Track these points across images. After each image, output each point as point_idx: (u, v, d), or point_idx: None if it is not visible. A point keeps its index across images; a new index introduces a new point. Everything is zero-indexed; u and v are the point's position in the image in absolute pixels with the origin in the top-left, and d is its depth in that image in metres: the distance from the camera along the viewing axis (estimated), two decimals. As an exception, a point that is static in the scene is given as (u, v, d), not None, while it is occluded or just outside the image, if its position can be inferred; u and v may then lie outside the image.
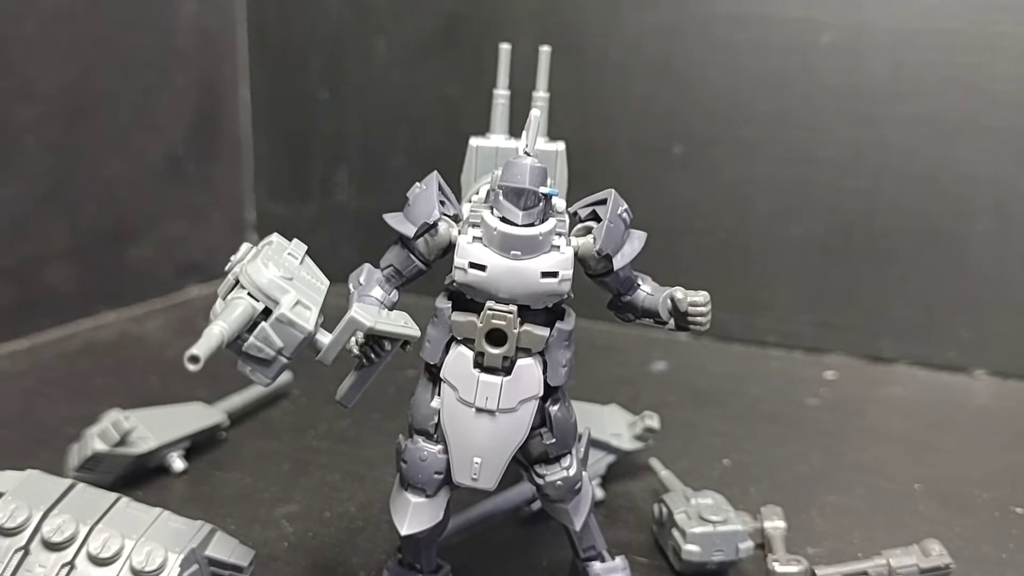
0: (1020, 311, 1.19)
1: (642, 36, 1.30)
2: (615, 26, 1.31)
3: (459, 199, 0.69)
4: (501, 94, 0.75)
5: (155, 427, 0.90)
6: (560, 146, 0.72)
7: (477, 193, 0.67)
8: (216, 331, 0.50)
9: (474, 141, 0.73)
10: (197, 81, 1.49)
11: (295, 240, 0.60)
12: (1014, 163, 1.17)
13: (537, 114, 0.62)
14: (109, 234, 1.37)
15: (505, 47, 0.74)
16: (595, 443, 0.87)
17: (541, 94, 0.75)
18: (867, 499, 0.89)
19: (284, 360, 0.53)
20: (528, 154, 0.61)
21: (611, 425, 0.90)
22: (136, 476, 0.88)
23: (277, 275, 0.53)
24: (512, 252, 0.59)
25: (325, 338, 0.55)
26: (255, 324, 0.53)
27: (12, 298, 1.24)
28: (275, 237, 0.58)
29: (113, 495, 0.65)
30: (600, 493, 0.86)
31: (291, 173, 1.58)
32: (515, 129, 0.72)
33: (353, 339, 0.57)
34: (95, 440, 0.85)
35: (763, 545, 0.77)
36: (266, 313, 0.53)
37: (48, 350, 1.24)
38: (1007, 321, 1.20)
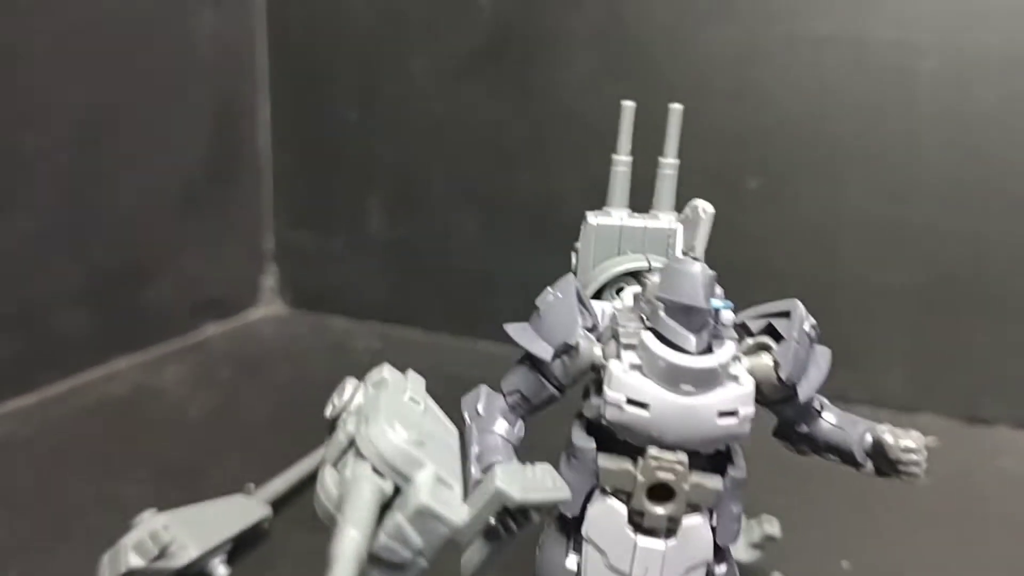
0: None
1: (716, 56, 1.18)
2: (686, 44, 1.19)
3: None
4: (622, 160, 0.62)
5: (195, 532, 0.78)
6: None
7: (616, 296, 0.55)
8: (351, 551, 0.37)
9: (592, 218, 0.60)
10: (214, 99, 1.36)
11: (411, 373, 0.47)
12: None
13: (711, 211, 0.50)
14: (122, 272, 1.24)
15: (629, 105, 0.61)
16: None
17: (670, 160, 0.62)
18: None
19: (423, 563, 0.40)
20: (695, 258, 0.48)
21: (724, 530, 0.78)
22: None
23: (407, 440, 0.41)
24: (683, 387, 0.47)
25: (463, 511, 0.43)
26: (383, 507, 0.40)
27: (18, 347, 1.11)
28: (387, 371, 0.46)
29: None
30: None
31: (315, 199, 1.45)
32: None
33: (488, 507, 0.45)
34: (131, 554, 0.73)
35: None
36: (396, 490, 0.40)
37: (58, 408, 1.11)
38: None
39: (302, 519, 0.89)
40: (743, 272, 1.18)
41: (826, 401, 0.55)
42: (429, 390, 0.47)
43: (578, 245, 0.60)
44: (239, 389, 1.20)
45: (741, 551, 0.77)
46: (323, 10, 1.39)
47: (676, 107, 0.62)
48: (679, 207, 0.62)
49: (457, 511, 0.40)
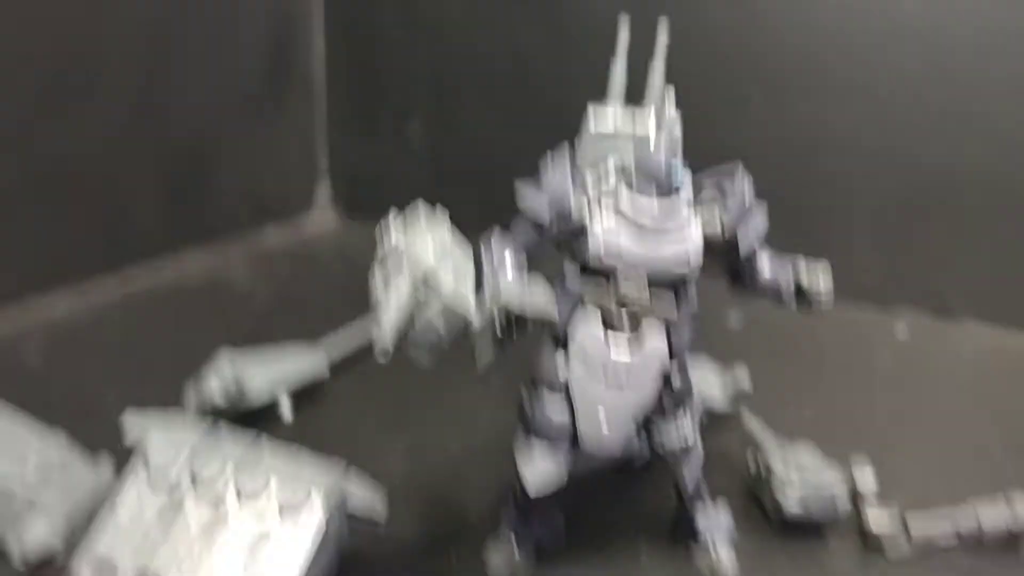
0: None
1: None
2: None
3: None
4: (620, 62, 0.74)
5: (266, 375, 0.93)
6: (672, 110, 0.73)
7: (603, 166, 0.69)
8: (389, 324, 0.53)
9: (592, 121, 0.71)
10: (272, 15, 1.50)
11: (439, 208, 0.63)
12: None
13: (658, 82, 0.64)
14: (192, 175, 1.40)
15: (624, 17, 0.74)
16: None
17: (658, 64, 0.75)
18: (948, 451, 0.92)
19: (445, 345, 0.57)
20: (659, 128, 0.63)
21: (703, 382, 0.93)
22: (245, 420, 0.92)
23: (434, 254, 0.57)
24: (645, 231, 0.62)
25: (476, 315, 0.59)
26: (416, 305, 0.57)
27: (102, 231, 1.27)
28: (421, 205, 0.62)
29: (250, 435, 0.69)
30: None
31: (363, 115, 1.59)
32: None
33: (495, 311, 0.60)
34: (215, 395, 0.89)
35: (854, 494, 0.80)
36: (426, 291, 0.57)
37: (136, 285, 1.28)
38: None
39: (356, 376, 1.05)
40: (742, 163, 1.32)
41: (765, 251, 0.69)
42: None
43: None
44: (297, 282, 1.37)
45: (718, 402, 0.92)
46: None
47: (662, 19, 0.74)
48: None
49: (470, 308, 0.57)
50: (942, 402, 1.03)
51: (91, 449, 0.74)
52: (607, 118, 0.73)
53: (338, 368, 1.05)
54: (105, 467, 0.73)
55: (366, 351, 1.10)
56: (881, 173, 1.28)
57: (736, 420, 0.92)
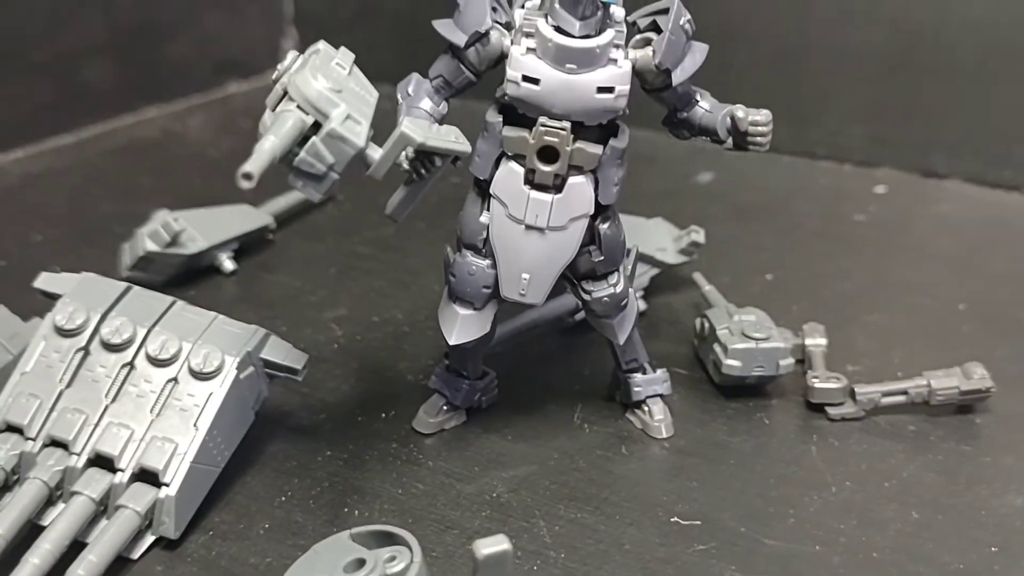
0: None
1: None
2: None
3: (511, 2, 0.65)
4: None
5: (204, 228, 0.91)
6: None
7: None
8: (267, 147, 0.49)
9: None
10: None
11: (342, 48, 0.58)
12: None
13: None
14: (146, 29, 1.33)
15: None
16: (640, 257, 0.86)
17: None
18: (910, 319, 0.89)
19: (335, 175, 0.53)
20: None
21: (656, 239, 0.89)
22: (187, 276, 0.90)
23: (326, 87, 0.52)
24: (567, 65, 0.57)
25: (376, 152, 0.54)
26: (305, 138, 0.52)
27: (54, 94, 1.23)
28: (322, 45, 0.56)
29: (168, 298, 0.67)
30: (642, 305, 0.87)
31: (329, -36, 1.51)
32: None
33: (403, 154, 0.56)
34: (147, 240, 0.86)
35: (803, 361, 0.78)
36: (316, 127, 0.52)
37: (92, 146, 1.24)
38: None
39: (302, 233, 1.02)
40: (719, 29, 1.25)
41: (705, 92, 0.64)
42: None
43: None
44: (256, 137, 1.32)
45: (670, 255, 0.89)
46: None
47: None
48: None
49: (360, 137, 0.52)
50: (914, 268, 0.99)
51: (24, 317, 0.71)
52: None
53: (286, 222, 1.02)
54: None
55: (315, 208, 1.06)
56: (865, 28, 1.20)
57: (692, 283, 0.88)
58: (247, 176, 0.47)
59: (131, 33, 1.31)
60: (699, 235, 0.88)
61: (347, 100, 0.53)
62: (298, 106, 0.51)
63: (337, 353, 0.81)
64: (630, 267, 0.67)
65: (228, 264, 0.92)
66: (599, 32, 0.58)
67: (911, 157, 1.22)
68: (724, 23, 1.25)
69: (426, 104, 0.61)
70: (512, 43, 0.59)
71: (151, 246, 0.86)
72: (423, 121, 0.57)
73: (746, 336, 0.74)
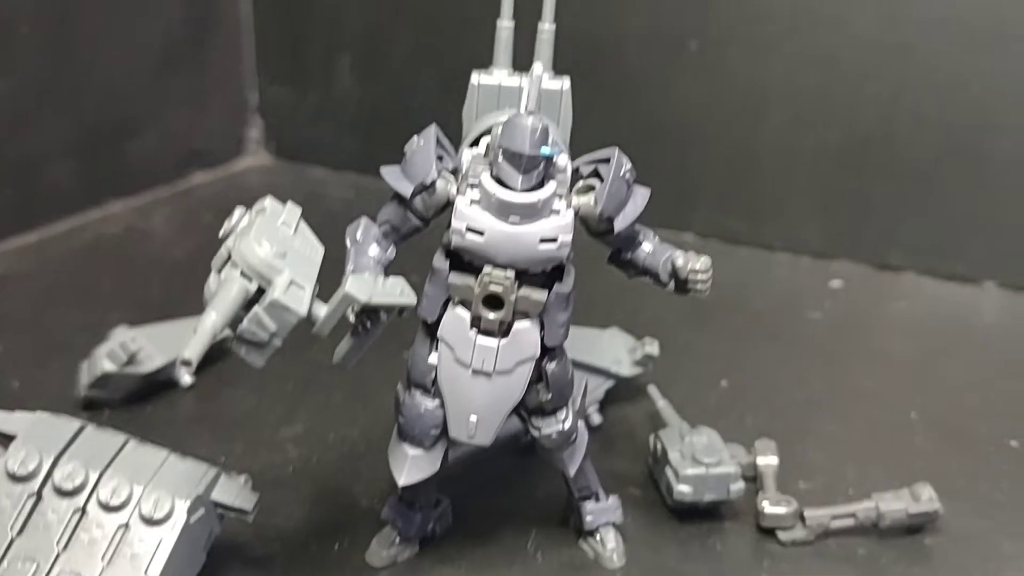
0: (1036, 225, 1.17)
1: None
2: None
3: (460, 140, 0.67)
4: (505, 25, 0.70)
5: (162, 344, 0.91)
6: (565, 84, 0.69)
7: (476, 145, 0.65)
8: (208, 325, 0.50)
9: (475, 78, 0.69)
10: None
11: (289, 204, 0.59)
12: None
13: (539, 70, 0.60)
14: (111, 126, 1.35)
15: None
16: (594, 369, 0.88)
17: (547, 26, 0.70)
18: (863, 429, 0.90)
19: (278, 342, 0.53)
20: (530, 113, 0.59)
21: (611, 351, 0.90)
22: (145, 392, 0.90)
23: (270, 252, 0.53)
24: (511, 218, 0.58)
25: (321, 310, 0.55)
26: (250, 303, 0.52)
27: (16, 193, 1.23)
28: (268, 202, 0.57)
29: (121, 438, 0.66)
30: (597, 419, 0.88)
31: (293, 57, 1.53)
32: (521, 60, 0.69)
33: (349, 309, 0.57)
34: (104, 361, 0.86)
35: (755, 478, 0.79)
36: (260, 291, 0.53)
37: (56, 246, 1.24)
38: (1022, 235, 1.18)
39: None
40: (679, 129, 1.28)
41: (649, 232, 0.66)
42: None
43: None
44: (216, 243, 1.33)
45: (625, 367, 0.90)
46: None
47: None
48: (556, 68, 0.71)
49: (303, 305, 0.53)
50: (869, 373, 1.00)
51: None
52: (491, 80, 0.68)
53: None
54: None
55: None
56: (819, 123, 1.23)
57: (647, 395, 0.89)
58: (186, 363, 0.48)
59: (95, 130, 1.32)
60: (653, 347, 0.89)
61: (291, 264, 0.54)
62: (242, 272, 0.52)
63: (293, 476, 0.81)
64: (579, 401, 0.68)
65: (186, 378, 0.92)
66: (542, 183, 0.59)
67: (866, 250, 1.25)
68: (682, 123, 1.29)
69: (374, 251, 0.62)
70: (458, 192, 0.60)
71: (108, 366, 0.86)
72: (368, 278, 0.58)
73: (697, 461, 0.74)
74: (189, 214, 1.38)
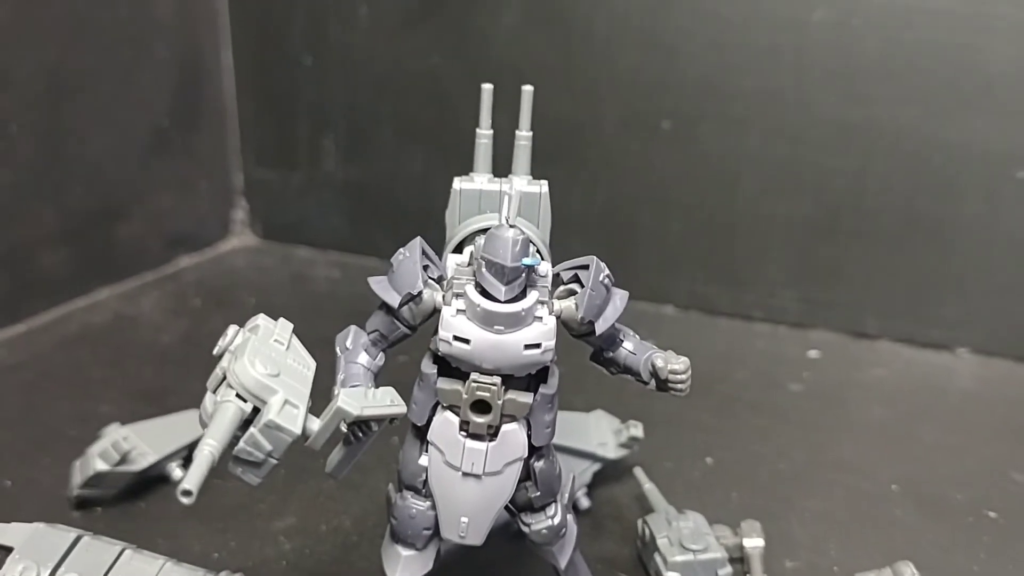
0: (1005, 291, 1.21)
1: (629, 8, 1.28)
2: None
3: (443, 244, 0.69)
4: (484, 134, 0.73)
5: (154, 440, 0.92)
6: (543, 187, 0.72)
7: (460, 251, 0.67)
8: (207, 454, 0.51)
9: (457, 183, 0.72)
10: (179, 50, 1.46)
11: (281, 320, 0.61)
12: (1004, 146, 1.17)
13: (518, 188, 0.62)
14: (98, 213, 1.37)
15: (487, 87, 0.73)
16: (581, 453, 0.90)
17: (524, 133, 0.73)
18: (845, 503, 0.92)
19: (274, 461, 0.55)
20: (511, 225, 0.61)
21: (596, 434, 0.92)
22: (138, 488, 0.91)
23: (264, 373, 0.55)
24: (495, 327, 0.60)
25: (314, 425, 0.57)
26: (246, 422, 0.54)
27: (6, 284, 1.25)
28: (261, 320, 0.59)
29: (117, 547, 0.68)
30: (586, 502, 0.89)
31: (278, 139, 1.57)
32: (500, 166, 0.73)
33: (341, 421, 0.59)
34: (97, 460, 0.87)
35: (743, 560, 0.80)
36: (255, 410, 0.55)
37: (45, 336, 1.25)
38: (991, 301, 1.21)
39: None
40: (656, 202, 1.31)
41: (629, 332, 0.68)
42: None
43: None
44: (208, 316, 1.34)
45: (611, 450, 0.92)
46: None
47: (527, 88, 0.73)
48: (534, 174, 0.74)
49: (297, 424, 0.54)
50: (849, 444, 1.02)
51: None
52: (472, 185, 0.71)
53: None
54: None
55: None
56: (790, 193, 1.27)
57: (633, 477, 0.91)
58: (186, 493, 0.49)
59: (83, 218, 1.34)
60: (637, 429, 0.91)
61: (285, 383, 0.55)
62: (237, 394, 0.54)
63: (286, 571, 0.81)
64: (568, 496, 0.70)
65: (177, 473, 0.93)
66: (524, 291, 0.61)
67: (842, 319, 1.28)
68: (659, 193, 1.32)
69: (363, 359, 0.64)
70: (444, 301, 0.63)
71: (101, 466, 0.87)
72: (358, 391, 0.60)
73: (685, 548, 0.76)
74: (177, 298, 1.40)
